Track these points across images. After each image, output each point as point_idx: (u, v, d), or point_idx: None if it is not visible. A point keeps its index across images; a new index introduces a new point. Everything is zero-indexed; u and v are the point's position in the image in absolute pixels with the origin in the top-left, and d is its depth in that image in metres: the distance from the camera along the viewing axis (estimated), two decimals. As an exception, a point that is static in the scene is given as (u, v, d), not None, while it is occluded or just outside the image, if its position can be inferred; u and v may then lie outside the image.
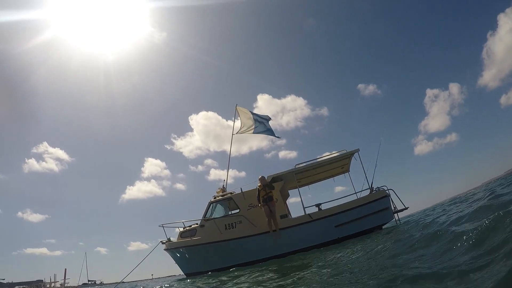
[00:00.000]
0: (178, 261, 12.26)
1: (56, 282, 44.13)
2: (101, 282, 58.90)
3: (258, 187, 10.91)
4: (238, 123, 13.71)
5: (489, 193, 9.23)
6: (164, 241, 12.33)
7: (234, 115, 14.00)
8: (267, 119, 13.48)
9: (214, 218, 11.45)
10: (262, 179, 10.95)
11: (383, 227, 11.71)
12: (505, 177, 19.60)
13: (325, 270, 4.69)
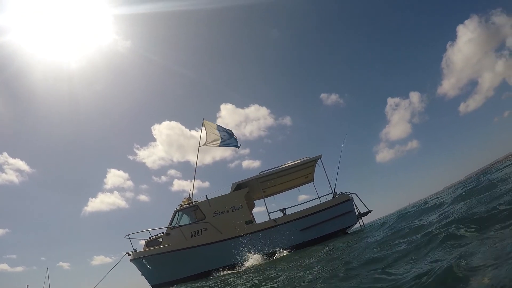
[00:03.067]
0: (145, 272, 11.96)
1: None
2: (66, 300, 55.80)
3: None
4: (204, 135, 14.05)
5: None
6: (130, 252, 12.03)
7: (199, 126, 14.38)
8: (231, 133, 13.90)
9: (180, 226, 11.35)
10: None
11: (349, 231, 12.02)
12: (465, 181, 20.70)
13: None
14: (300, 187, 14.33)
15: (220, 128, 13.90)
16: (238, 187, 11.54)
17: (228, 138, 13.77)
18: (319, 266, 4.59)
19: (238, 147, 14.15)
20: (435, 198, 10.46)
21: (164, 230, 11.59)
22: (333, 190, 12.10)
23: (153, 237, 11.68)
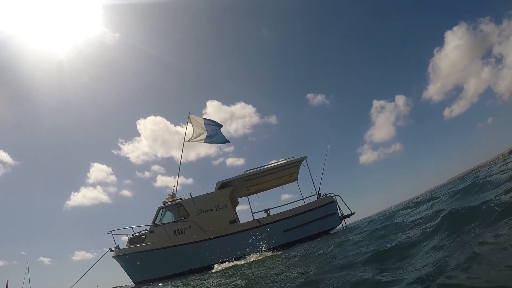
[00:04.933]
0: (127, 269, 11.90)
1: (-2, 296, 40.64)
2: (48, 295, 55.02)
3: None
4: (190, 131, 13.66)
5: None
6: (113, 249, 11.95)
7: (185, 122, 13.94)
8: (219, 126, 13.55)
9: (164, 224, 11.32)
10: None
11: (331, 232, 12.19)
12: (447, 185, 21.16)
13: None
14: (283, 186, 14.42)
15: (207, 122, 13.51)
16: (222, 186, 11.56)
17: (215, 134, 13.49)
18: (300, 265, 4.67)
19: (227, 142, 13.93)
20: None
21: (148, 227, 11.54)
22: (317, 192, 12.24)
23: (136, 234, 11.63)
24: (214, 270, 9.09)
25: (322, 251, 5.69)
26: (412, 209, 8.07)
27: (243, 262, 9.54)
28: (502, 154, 51.89)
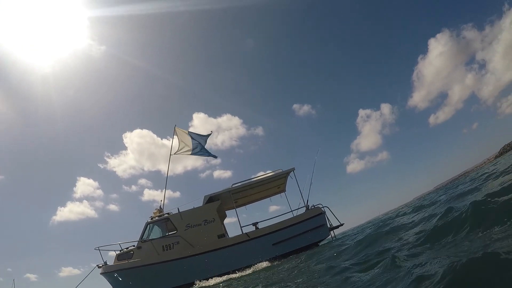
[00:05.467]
0: (116, 286, 11.70)
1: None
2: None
3: None
4: (176, 143, 13.62)
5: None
6: (101, 265, 11.75)
7: (171, 135, 13.86)
8: (206, 137, 13.51)
9: (151, 240, 11.19)
10: None
11: (320, 244, 12.21)
12: (436, 192, 21.46)
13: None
14: (271, 198, 14.44)
15: (192, 135, 13.50)
16: (210, 199, 11.52)
17: (200, 148, 13.46)
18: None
19: (214, 156, 13.93)
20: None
21: (135, 243, 11.40)
22: (306, 204, 12.28)
23: (124, 250, 11.47)
24: (204, 284, 9.05)
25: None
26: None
27: (234, 276, 9.52)
28: (488, 159, 52.96)
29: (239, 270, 10.17)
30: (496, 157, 42.80)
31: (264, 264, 10.20)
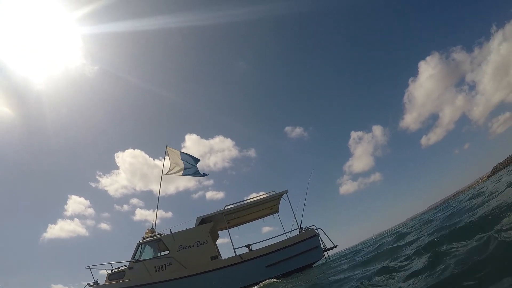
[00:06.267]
0: None
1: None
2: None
3: None
4: (167, 163, 13.66)
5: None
6: (91, 284, 11.55)
7: (163, 155, 13.90)
8: (196, 161, 13.57)
9: (143, 260, 11.06)
10: None
11: (314, 265, 12.15)
12: (428, 212, 21.53)
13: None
14: (264, 219, 14.41)
15: (183, 157, 13.54)
16: (203, 221, 11.48)
17: (191, 168, 13.48)
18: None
19: (205, 175, 13.94)
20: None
21: (127, 263, 11.24)
22: (299, 226, 12.27)
23: (115, 270, 11.30)
24: None
25: None
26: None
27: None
28: (481, 179, 53.41)
29: None
30: (489, 176, 43.25)
31: None
